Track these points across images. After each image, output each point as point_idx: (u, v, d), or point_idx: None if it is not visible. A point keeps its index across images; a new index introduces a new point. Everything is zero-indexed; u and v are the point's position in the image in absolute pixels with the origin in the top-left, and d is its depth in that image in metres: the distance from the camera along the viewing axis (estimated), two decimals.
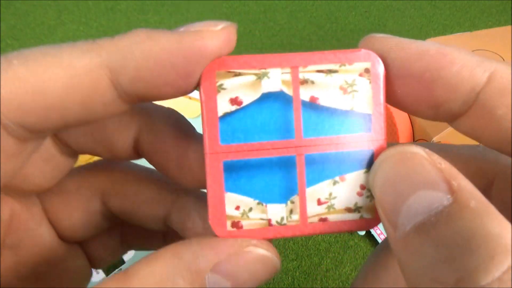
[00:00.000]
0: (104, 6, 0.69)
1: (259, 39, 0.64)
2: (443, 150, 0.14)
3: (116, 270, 0.32)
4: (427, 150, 0.11)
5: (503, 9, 0.73)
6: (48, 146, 0.13)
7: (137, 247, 0.19)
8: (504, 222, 0.09)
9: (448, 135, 0.34)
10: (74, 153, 0.14)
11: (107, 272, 0.32)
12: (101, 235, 0.17)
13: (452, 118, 0.12)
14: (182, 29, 0.11)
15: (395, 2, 0.74)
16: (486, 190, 0.13)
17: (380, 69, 0.12)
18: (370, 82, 0.12)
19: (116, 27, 0.65)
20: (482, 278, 0.09)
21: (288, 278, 0.37)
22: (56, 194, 0.15)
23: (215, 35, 0.11)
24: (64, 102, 0.11)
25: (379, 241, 0.37)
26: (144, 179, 0.15)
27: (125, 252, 0.18)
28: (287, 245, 0.38)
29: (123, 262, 0.33)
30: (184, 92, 0.12)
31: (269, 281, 0.37)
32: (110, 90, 0.11)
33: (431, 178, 0.10)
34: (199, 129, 0.40)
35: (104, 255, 0.17)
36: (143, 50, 0.11)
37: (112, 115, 0.12)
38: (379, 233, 0.38)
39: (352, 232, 0.39)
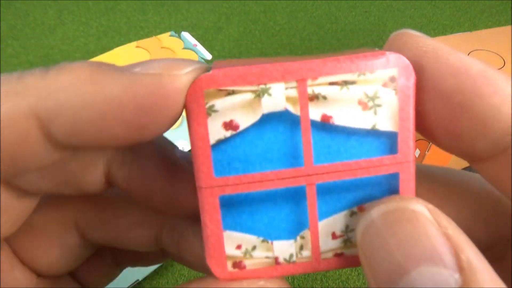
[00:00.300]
0: (104, 6, 0.69)
1: (259, 39, 0.64)
2: (463, 183, 0.12)
3: None
4: (430, 206, 0.09)
5: (503, 9, 0.73)
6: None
7: (134, 265, 0.17)
8: None
9: None
10: (34, 195, 0.12)
11: None
12: (90, 260, 0.15)
13: (474, 158, 0.10)
14: (138, 68, 0.09)
15: (395, 2, 0.74)
16: (507, 245, 0.11)
17: (410, 76, 0.10)
18: (396, 93, 0.10)
19: (116, 27, 0.65)
20: None
21: (288, 278, 0.37)
22: (23, 232, 0.13)
23: (179, 81, 0.09)
24: None
25: None
26: (122, 202, 0.13)
27: (121, 270, 0.17)
28: None
29: None
30: (138, 141, 0.10)
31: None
32: (41, 143, 0.09)
33: (436, 249, 0.08)
34: None
35: (97, 279, 0.16)
36: (82, 97, 0.09)
37: (50, 164, 0.10)
38: None
39: None
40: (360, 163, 0.10)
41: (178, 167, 0.12)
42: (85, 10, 0.68)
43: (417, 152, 0.36)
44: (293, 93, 0.09)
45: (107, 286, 0.34)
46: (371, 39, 0.65)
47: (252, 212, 0.10)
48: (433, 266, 0.08)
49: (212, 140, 0.09)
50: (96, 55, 0.36)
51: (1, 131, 0.09)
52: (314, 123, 0.10)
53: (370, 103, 0.10)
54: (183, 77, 0.09)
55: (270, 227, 0.10)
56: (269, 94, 0.09)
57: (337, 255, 0.10)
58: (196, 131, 0.09)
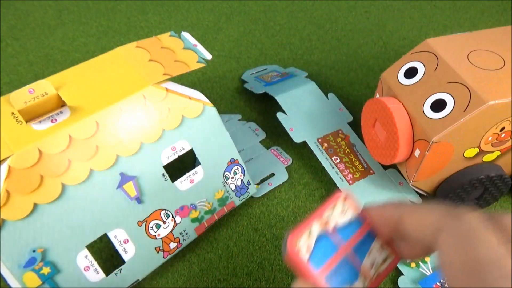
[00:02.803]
0: (104, 6, 0.69)
1: (259, 39, 0.64)
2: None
3: (116, 270, 0.32)
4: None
5: (503, 9, 0.73)
6: None
7: None
8: None
9: (448, 135, 0.34)
10: None
11: (107, 272, 0.32)
12: None
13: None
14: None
15: (395, 2, 0.74)
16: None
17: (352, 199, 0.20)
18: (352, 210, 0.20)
19: (116, 27, 0.65)
20: None
21: (288, 278, 0.37)
22: None
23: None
24: None
25: None
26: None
27: None
28: None
29: (123, 262, 0.33)
30: None
31: (269, 281, 0.37)
32: None
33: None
34: (201, 126, 0.40)
35: None
36: None
37: None
38: None
39: None
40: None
41: None
42: (85, 10, 0.68)
43: (417, 152, 0.36)
44: (317, 228, 0.19)
45: (108, 287, 0.34)
46: (371, 39, 0.65)
47: (337, 274, 0.19)
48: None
49: (306, 259, 0.18)
50: (96, 55, 0.36)
51: None
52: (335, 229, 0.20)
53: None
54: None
55: (347, 278, 0.19)
56: (311, 231, 0.19)
57: (377, 275, 0.20)
58: (301, 264, 0.18)
